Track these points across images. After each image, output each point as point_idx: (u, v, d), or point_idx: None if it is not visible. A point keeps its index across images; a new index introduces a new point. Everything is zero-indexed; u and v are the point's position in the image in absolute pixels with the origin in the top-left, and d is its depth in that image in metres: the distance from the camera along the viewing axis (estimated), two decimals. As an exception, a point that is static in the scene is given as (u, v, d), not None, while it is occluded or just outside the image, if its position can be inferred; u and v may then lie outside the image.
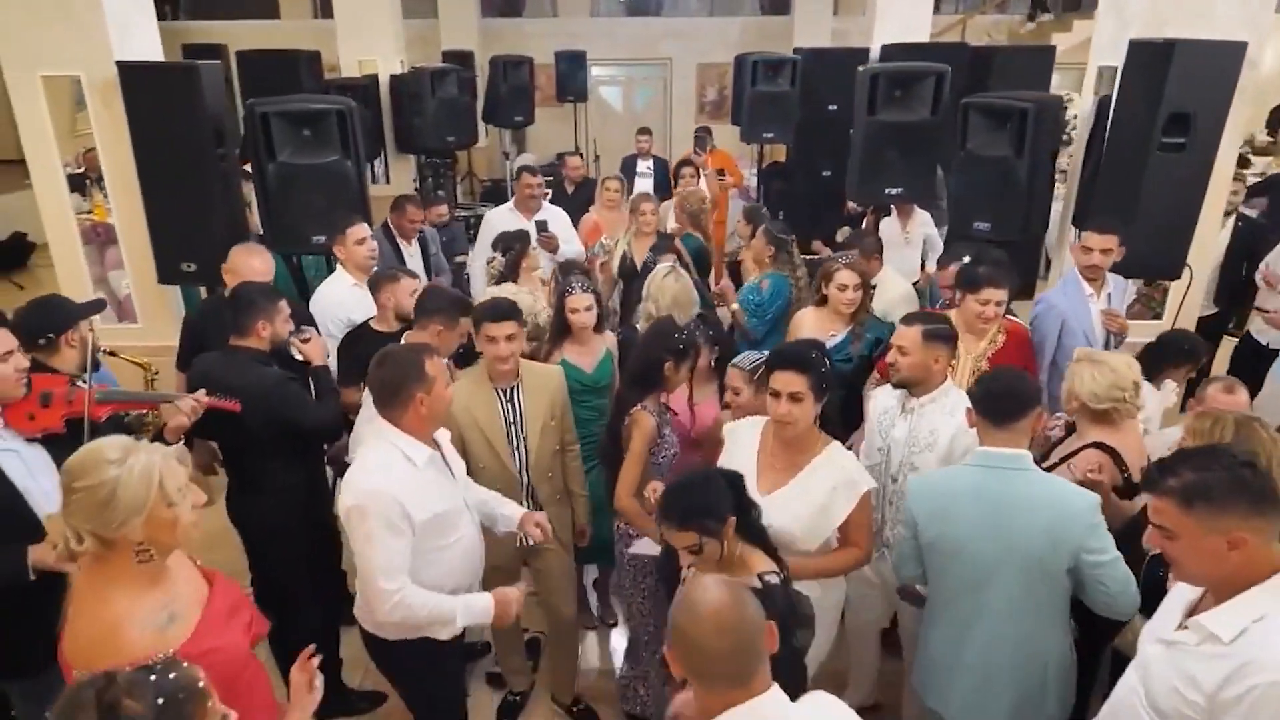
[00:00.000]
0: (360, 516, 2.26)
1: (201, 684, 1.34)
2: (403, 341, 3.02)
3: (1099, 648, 2.42)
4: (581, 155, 7.62)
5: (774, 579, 2.10)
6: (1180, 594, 1.81)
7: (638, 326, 3.73)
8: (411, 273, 3.74)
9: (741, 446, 2.68)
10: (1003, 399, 2.32)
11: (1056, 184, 5.07)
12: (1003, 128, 4.18)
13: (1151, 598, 2.01)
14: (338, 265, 3.97)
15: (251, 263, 3.41)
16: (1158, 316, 4.59)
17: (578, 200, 6.32)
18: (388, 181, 8.46)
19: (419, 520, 2.31)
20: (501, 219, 5.12)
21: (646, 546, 2.89)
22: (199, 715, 1.32)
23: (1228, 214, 5.15)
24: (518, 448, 2.99)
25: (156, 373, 3.54)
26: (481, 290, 4.41)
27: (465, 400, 2.88)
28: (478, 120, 9.01)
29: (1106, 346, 3.59)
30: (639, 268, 4.62)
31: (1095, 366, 2.70)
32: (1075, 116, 5.52)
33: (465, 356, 3.30)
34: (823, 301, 3.80)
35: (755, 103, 7.17)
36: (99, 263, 4.38)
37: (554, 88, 10.35)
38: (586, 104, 10.85)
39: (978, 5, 12.10)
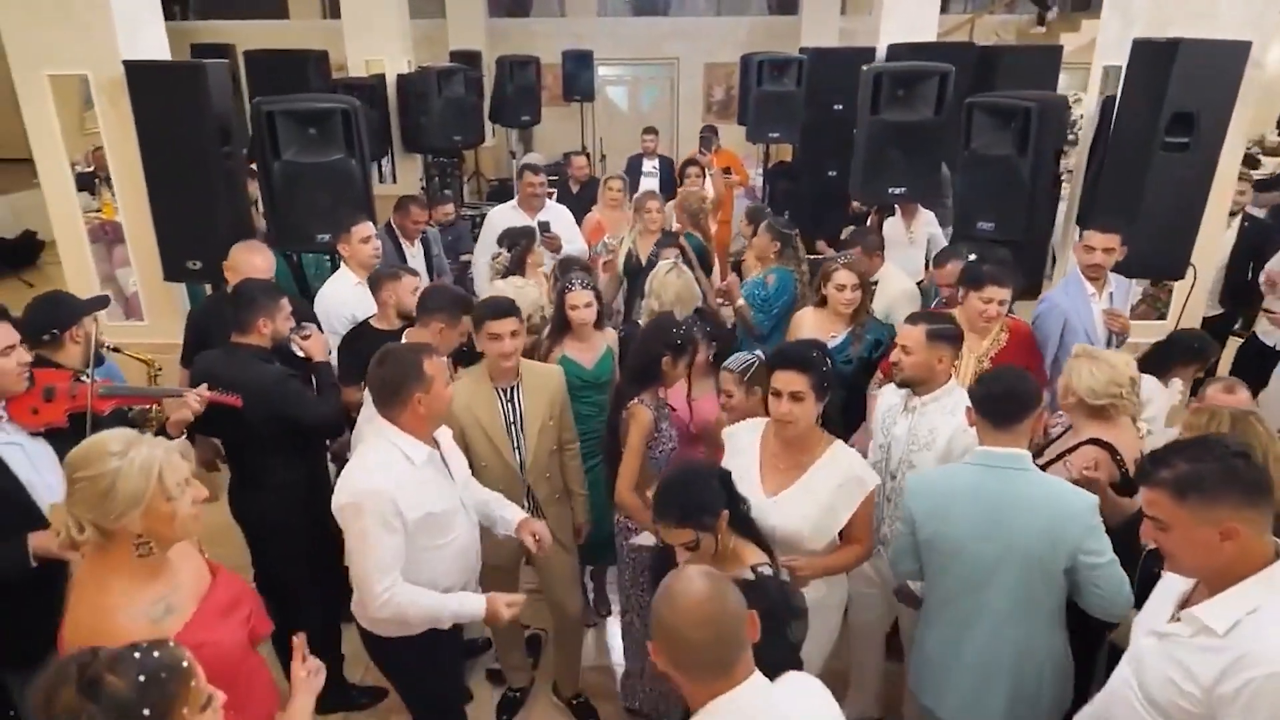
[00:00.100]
0: (355, 514, 2.27)
1: (186, 663, 1.34)
2: (404, 339, 3.04)
3: (1093, 648, 2.42)
4: (588, 155, 7.61)
5: (766, 570, 2.12)
6: (1171, 585, 1.81)
7: (640, 323, 3.74)
8: (412, 270, 3.76)
9: (742, 450, 2.68)
10: (1003, 401, 2.31)
11: (1062, 183, 5.05)
12: (1006, 127, 4.17)
13: (1147, 594, 2.00)
14: (341, 264, 3.99)
15: (253, 260, 3.43)
16: (1163, 317, 4.56)
17: (583, 200, 6.33)
18: (394, 181, 8.45)
19: (411, 519, 2.31)
20: (504, 218, 5.14)
21: (648, 539, 2.90)
22: (182, 694, 1.32)
23: (1233, 214, 5.12)
24: (517, 447, 3.00)
25: (160, 369, 3.56)
26: (486, 288, 4.43)
27: (466, 399, 2.89)
28: (484, 120, 9.03)
29: (1108, 346, 3.58)
30: (644, 265, 4.63)
31: (1093, 362, 2.69)
32: (1081, 116, 5.49)
33: (465, 356, 3.31)
34: (823, 302, 3.79)
35: (760, 102, 7.17)
36: (107, 260, 4.41)
37: (561, 87, 10.31)
38: (593, 104, 10.83)
39: (986, 5, 12.05)
